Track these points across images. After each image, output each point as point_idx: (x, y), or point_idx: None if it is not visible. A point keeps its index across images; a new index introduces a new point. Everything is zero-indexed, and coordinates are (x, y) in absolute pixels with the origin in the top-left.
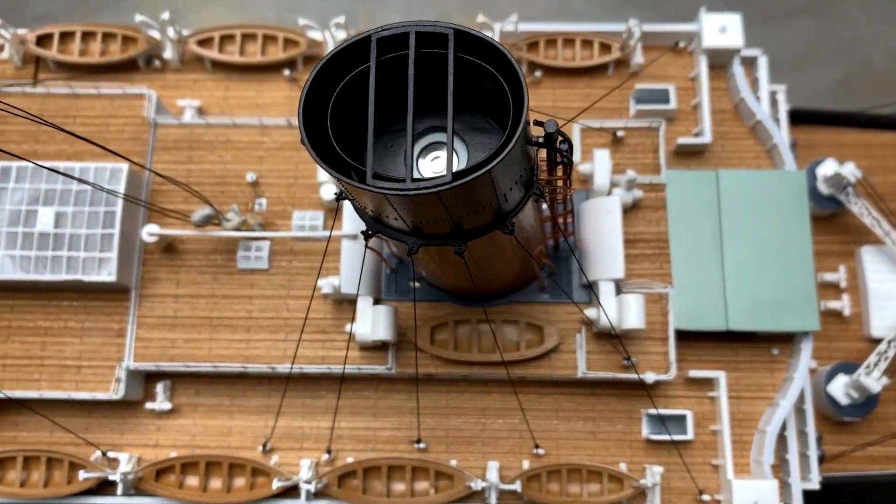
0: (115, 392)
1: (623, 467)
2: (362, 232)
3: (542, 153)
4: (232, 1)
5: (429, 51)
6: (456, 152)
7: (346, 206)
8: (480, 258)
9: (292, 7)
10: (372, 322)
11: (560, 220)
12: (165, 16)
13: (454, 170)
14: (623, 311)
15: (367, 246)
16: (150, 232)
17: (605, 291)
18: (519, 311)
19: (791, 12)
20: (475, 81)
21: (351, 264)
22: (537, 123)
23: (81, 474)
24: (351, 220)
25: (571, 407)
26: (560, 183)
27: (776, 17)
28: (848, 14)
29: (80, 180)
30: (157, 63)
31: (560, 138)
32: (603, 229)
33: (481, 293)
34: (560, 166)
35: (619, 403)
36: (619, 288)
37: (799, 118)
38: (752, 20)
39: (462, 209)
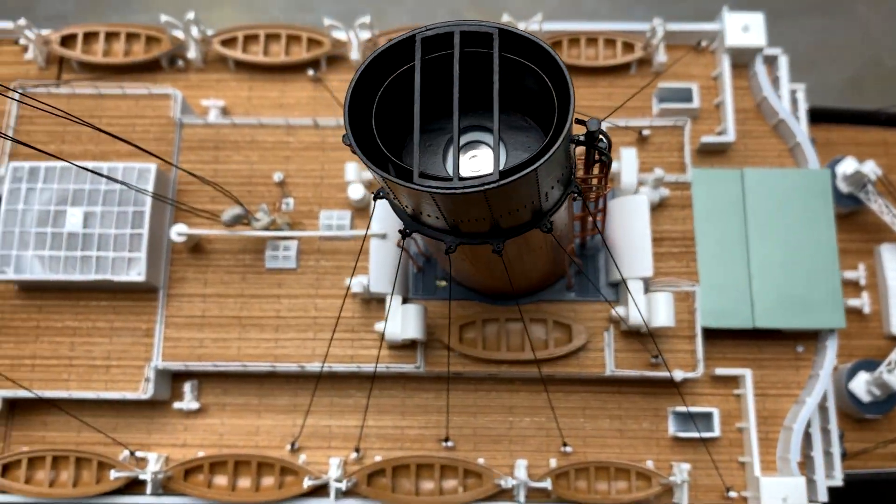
0: (144, 392)
1: (650, 465)
2: (400, 231)
3: (579, 151)
4: (241, 1)
5: (471, 50)
6: (494, 150)
7: (378, 204)
8: (513, 257)
9: (301, 7)
10: (402, 321)
11: (590, 219)
12: (191, 15)
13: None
14: (652, 309)
15: (402, 245)
16: (178, 232)
17: (634, 290)
18: (546, 309)
19: (801, 11)
20: (515, 80)
21: (380, 263)
22: (579, 122)
23: (113, 473)
24: (379, 219)
25: (598, 405)
26: (595, 181)
27: (786, 15)
28: (858, 13)
29: (120, 182)
30: (180, 63)
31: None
32: (631, 228)
33: (511, 292)
34: (597, 164)
35: (645, 402)
36: (647, 286)
37: (816, 116)
38: None
39: (504, 208)
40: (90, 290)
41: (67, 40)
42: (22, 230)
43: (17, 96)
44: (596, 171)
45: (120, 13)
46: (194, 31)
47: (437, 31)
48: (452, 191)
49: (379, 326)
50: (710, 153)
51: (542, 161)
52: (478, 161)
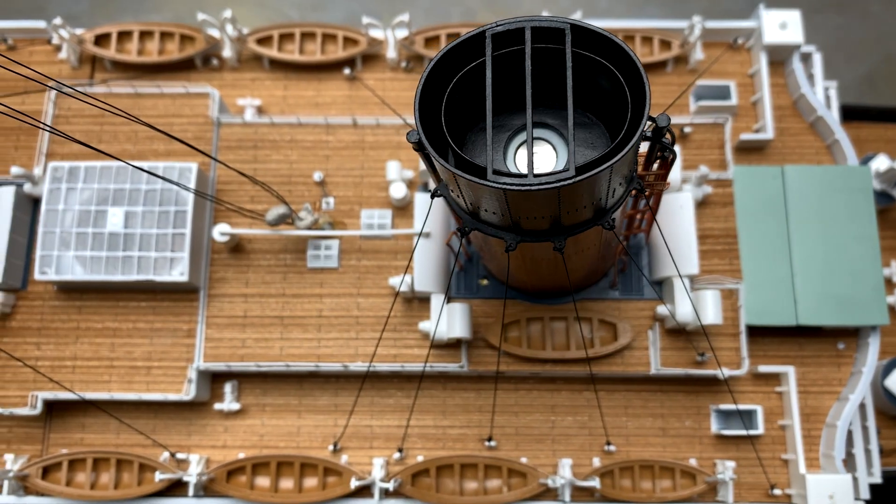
0: (187, 393)
1: (693, 463)
2: (458, 228)
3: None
4: (255, 0)
5: (539, 46)
6: (554, 148)
7: (419, 203)
8: (566, 254)
9: (315, 6)
10: (448, 320)
11: (638, 216)
12: (227, 13)
13: (554, 166)
14: (700, 307)
15: (461, 243)
16: (222, 231)
17: (680, 287)
18: (590, 307)
19: (815, 9)
20: (580, 76)
21: (424, 262)
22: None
23: (158, 475)
24: (423, 218)
25: (640, 404)
26: (652, 178)
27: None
28: (871, 11)
29: (180, 185)
30: (214, 62)
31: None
32: (676, 225)
33: (556, 290)
34: (658, 161)
35: (688, 400)
36: (691, 284)
37: (845, 113)
38: None
39: (572, 204)
40: (129, 291)
41: (101, 39)
42: (62, 231)
43: (51, 94)
44: (655, 167)
45: (132, 13)
46: (230, 30)
47: (508, 27)
48: (528, 187)
49: (423, 325)
50: (748, 151)
51: (618, 157)
52: (538, 158)
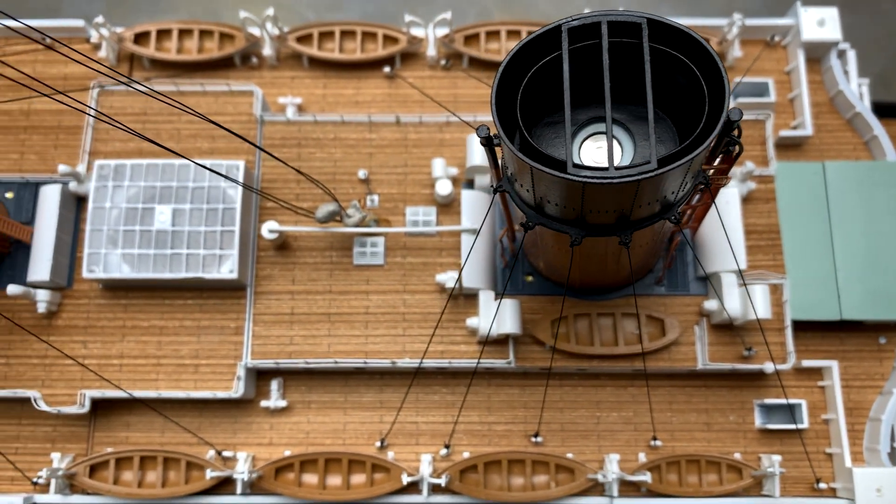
0: (236, 391)
1: (737, 457)
2: (522, 224)
3: None
4: (270, 0)
5: (615, 40)
6: (620, 142)
7: (466, 199)
8: (617, 250)
9: (331, 6)
10: (497, 316)
11: (691, 211)
12: (270, 11)
13: (620, 160)
14: (749, 302)
15: (524, 235)
16: (270, 229)
17: (728, 283)
18: (633, 302)
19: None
20: (653, 72)
21: (472, 258)
22: None
23: (209, 473)
24: (469, 214)
25: (684, 399)
26: (713, 172)
27: None
28: (882, 9)
29: (242, 183)
30: (253, 60)
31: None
32: (722, 221)
33: (603, 286)
34: (721, 155)
35: (731, 395)
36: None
37: (876, 110)
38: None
39: (644, 198)
40: (176, 289)
41: (140, 38)
42: (109, 228)
43: (93, 92)
44: (717, 161)
45: (147, 13)
46: (271, 28)
47: (584, 22)
48: (610, 180)
49: (471, 322)
50: (786, 147)
51: (700, 149)
52: (603, 152)
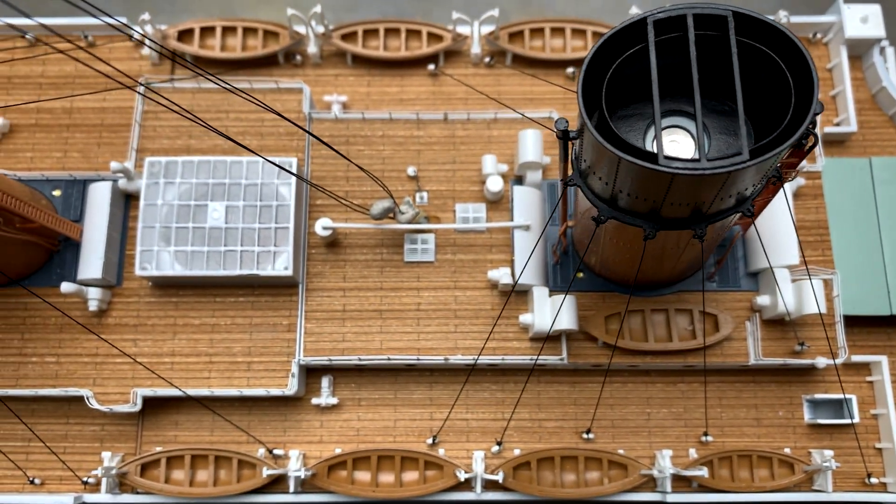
0: (290, 388)
1: (787, 452)
2: (593, 218)
3: None
4: (288, 1)
5: (700, 33)
6: (692, 135)
7: (517, 195)
8: (681, 245)
9: (347, 7)
10: (552, 312)
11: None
12: (317, 9)
13: (692, 153)
14: (803, 297)
15: (595, 229)
16: (324, 226)
17: (782, 278)
18: (688, 299)
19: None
20: (724, 65)
21: (524, 255)
22: None
23: (264, 471)
24: (521, 210)
25: (733, 394)
26: (785, 165)
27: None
28: None
29: (314, 183)
30: (297, 58)
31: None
32: (773, 216)
33: (659, 282)
34: (793, 149)
35: (780, 390)
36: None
37: None
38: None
39: (727, 191)
40: (227, 287)
41: (184, 35)
42: (162, 226)
43: (139, 89)
44: (786, 155)
45: (165, 14)
46: (316, 26)
47: (669, 14)
48: (702, 172)
49: (524, 318)
50: (830, 143)
51: (790, 142)
52: (677, 146)
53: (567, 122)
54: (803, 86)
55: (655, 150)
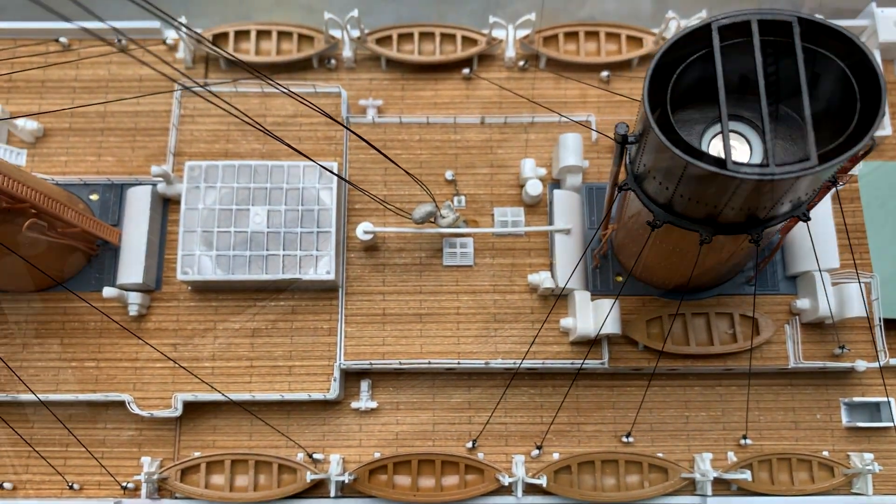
0: (332, 391)
1: (826, 455)
2: (648, 222)
3: None
4: (300, 4)
5: (767, 39)
6: (748, 141)
7: (557, 199)
8: (729, 249)
9: (364, 11)
10: (595, 316)
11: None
12: (354, 13)
13: (749, 158)
14: (844, 300)
15: (650, 234)
16: (365, 230)
17: (821, 282)
18: (726, 302)
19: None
20: (785, 70)
21: (565, 259)
22: None
23: (308, 476)
24: (561, 214)
25: (771, 398)
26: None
27: None
28: None
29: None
30: (331, 62)
31: None
32: (813, 220)
33: (699, 286)
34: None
35: (817, 393)
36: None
37: None
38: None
39: (788, 196)
40: (266, 291)
41: (218, 39)
42: (203, 230)
43: (176, 93)
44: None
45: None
46: (352, 30)
47: (734, 20)
48: (771, 177)
49: (565, 322)
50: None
51: (857, 148)
52: (734, 151)
53: (628, 126)
54: (868, 91)
55: (719, 155)
